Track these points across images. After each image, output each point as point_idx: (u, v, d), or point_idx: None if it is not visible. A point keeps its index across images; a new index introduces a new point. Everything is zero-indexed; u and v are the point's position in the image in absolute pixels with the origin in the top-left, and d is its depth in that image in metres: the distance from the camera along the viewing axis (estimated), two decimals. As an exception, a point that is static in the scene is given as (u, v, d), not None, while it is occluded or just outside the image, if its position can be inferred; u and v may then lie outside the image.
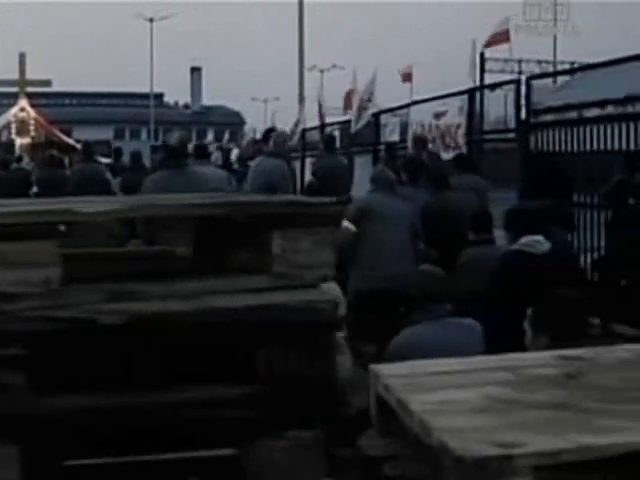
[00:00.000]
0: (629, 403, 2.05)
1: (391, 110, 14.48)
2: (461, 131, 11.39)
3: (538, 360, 2.53)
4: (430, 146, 11.38)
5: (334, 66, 56.78)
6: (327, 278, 1.84)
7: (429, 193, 7.39)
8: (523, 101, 9.46)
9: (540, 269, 4.94)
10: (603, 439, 1.80)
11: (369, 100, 15.28)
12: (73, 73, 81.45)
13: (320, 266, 1.76)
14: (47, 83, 27.14)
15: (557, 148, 8.92)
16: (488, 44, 11.67)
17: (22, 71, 25.27)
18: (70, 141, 25.80)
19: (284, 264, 1.71)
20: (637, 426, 1.87)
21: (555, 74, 9.58)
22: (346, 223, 6.24)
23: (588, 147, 8.45)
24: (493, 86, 10.80)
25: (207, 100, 68.76)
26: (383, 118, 14.53)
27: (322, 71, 53.86)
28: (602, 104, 8.23)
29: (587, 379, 2.29)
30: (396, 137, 13.69)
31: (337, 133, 16.55)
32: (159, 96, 70.56)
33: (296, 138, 22.62)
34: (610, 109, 8.40)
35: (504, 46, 18.20)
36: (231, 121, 60.37)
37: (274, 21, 49.58)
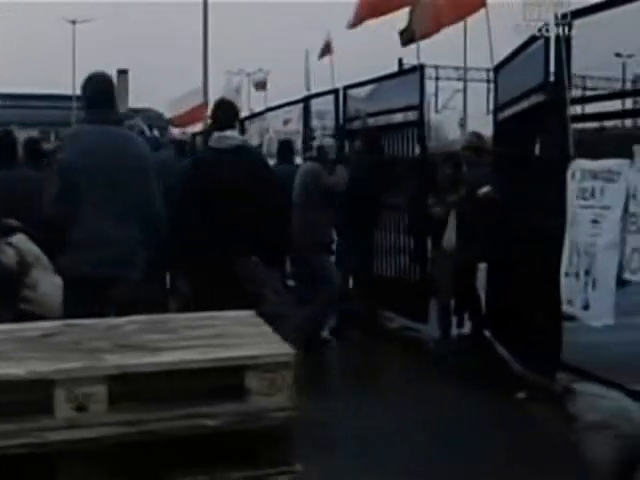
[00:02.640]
0: (39, 352, 2.77)
1: (252, 116, 15.22)
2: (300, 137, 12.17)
3: (45, 326, 3.23)
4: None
5: (260, 70, 57.28)
6: None
7: None
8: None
9: (221, 163, 5.59)
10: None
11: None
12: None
13: None
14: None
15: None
16: (323, 54, 12.26)
17: None
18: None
19: None
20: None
21: (370, 82, 10.23)
22: None
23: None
24: (319, 95, 11.50)
25: (135, 103, 68.53)
26: (246, 124, 15.20)
27: (249, 75, 54.40)
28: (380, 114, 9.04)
29: (55, 338, 3.01)
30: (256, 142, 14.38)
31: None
32: (87, 98, 70.19)
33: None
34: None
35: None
36: (157, 124, 60.31)
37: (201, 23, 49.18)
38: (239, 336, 2.89)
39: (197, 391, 2.59)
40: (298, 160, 10.50)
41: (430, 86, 32.06)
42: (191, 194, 5.69)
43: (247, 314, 3.30)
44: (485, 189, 7.21)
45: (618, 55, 7.62)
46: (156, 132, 17.23)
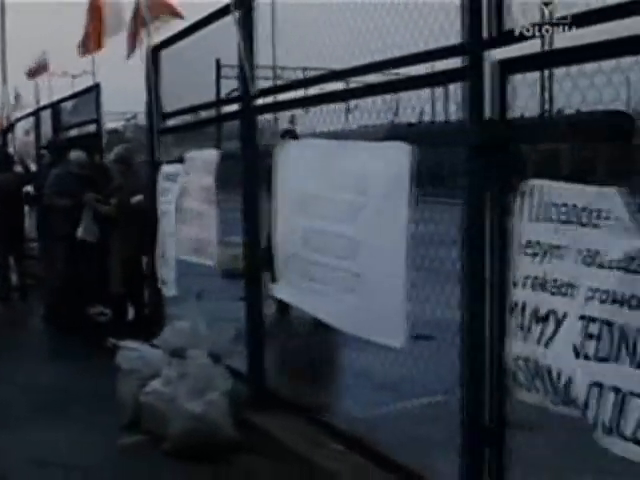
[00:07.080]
0: None
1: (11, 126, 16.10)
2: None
3: None
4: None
5: (85, 72, 56.81)
6: None
7: None
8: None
9: None
10: None
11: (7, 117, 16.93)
12: None
13: None
14: None
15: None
16: (31, 74, 13.10)
17: None
18: None
19: None
20: None
21: (72, 97, 11.25)
22: None
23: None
24: (45, 107, 12.52)
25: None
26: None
27: (74, 77, 54.10)
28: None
29: None
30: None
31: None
32: None
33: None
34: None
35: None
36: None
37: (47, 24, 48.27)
38: None
39: None
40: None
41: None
42: None
43: None
44: (137, 198, 8.48)
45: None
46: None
